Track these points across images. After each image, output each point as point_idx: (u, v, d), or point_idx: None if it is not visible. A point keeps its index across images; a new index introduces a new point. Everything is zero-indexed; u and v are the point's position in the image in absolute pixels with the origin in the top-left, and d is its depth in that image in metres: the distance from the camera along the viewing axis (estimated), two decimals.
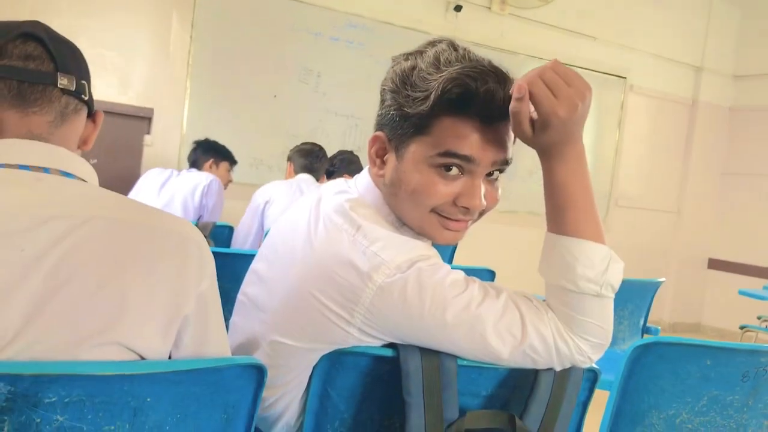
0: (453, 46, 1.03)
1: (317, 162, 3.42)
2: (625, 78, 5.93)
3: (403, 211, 1.06)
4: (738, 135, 6.51)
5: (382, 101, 1.07)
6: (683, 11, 6.22)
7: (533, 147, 1.03)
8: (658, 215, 6.36)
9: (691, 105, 6.42)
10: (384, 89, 1.07)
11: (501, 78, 1.00)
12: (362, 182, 1.11)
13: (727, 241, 6.49)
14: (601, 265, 1.01)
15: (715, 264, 6.59)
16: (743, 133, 6.47)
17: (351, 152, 3.69)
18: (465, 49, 1.04)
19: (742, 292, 4.76)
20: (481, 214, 1.08)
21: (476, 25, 5.11)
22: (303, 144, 3.57)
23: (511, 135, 1.04)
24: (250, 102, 4.40)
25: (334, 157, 3.62)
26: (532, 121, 0.99)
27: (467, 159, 1.00)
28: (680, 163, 6.47)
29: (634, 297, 2.65)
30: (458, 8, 4.97)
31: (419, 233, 1.07)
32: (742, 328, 4.60)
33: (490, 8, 5.19)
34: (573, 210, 1.02)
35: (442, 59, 1.01)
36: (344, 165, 3.61)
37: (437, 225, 1.05)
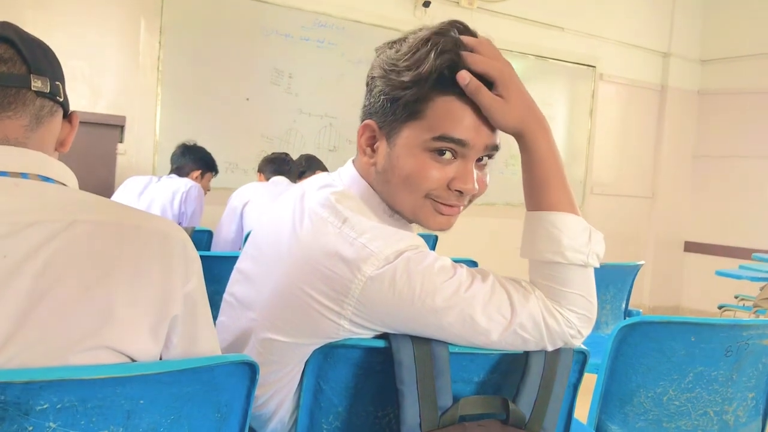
0: (436, 31, 1.04)
1: (285, 165, 3.48)
2: (594, 67, 5.99)
3: (396, 198, 1.06)
4: (707, 118, 6.60)
5: (370, 90, 1.08)
6: None
7: (510, 125, 1.04)
8: (633, 201, 6.43)
9: (661, 90, 6.50)
10: (372, 77, 1.07)
11: None
12: (347, 174, 1.11)
13: (702, 223, 6.58)
14: (584, 236, 1.03)
15: (691, 246, 6.68)
16: (712, 116, 6.57)
17: (309, 154, 3.87)
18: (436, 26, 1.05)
19: (719, 273, 4.82)
20: (471, 200, 1.09)
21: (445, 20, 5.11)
22: (269, 155, 3.69)
23: None
24: (223, 106, 4.37)
25: (300, 159, 3.71)
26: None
27: (461, 143, 1.01)
28: (652, 149, 6.55)
29: (615, 281, 2.67)
30: (426, 4, 4.98)
31: (412, 219, 1.08)
32: (720, 307, 4.67)
33: (458, 3, 5.21)
34: (552, 186, 1.05)
35: (421, 39, 1.02)
36: (313, 163, 3.68)
37: (431, 210, 1.06)
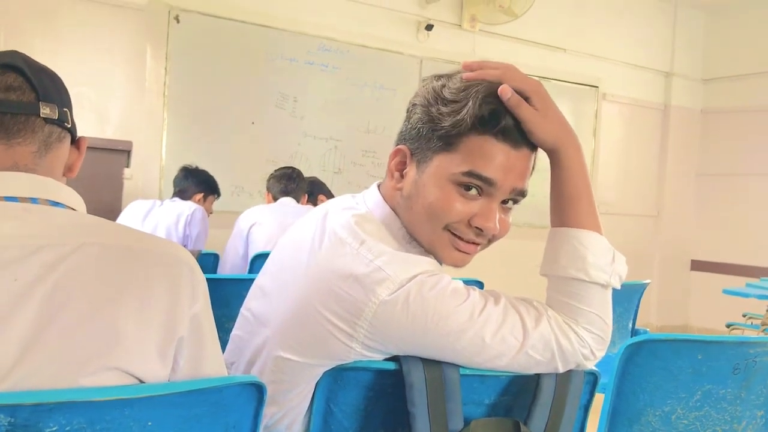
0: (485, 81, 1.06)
1: (292, 183, 3.44)
2: (597, 87, 6.02)
3: (416, 226, 1.07)
4: (710, 137, 6.62)
5: (408, 117, 1.10)
6: (649, 19, 6.34)
7: (547, 139, 1.05)
8: (639, 220, 6.43)
9: (664, 109, 6.53)
10: (414, 104, 1.09)
11: None
12: (372, 197, 1.12)
13: (708, 241, 6.57)
14: (608, 256, 1.05)
15: (697, 265, 6.66)
16: (715, 134, 6.58)
17: (313, 178, 3.86)
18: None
19: (726, 291, 4.80)
20: (490, 241, 1.10)
21: (448, 44, 5.17)
22: (277, 170, 3.61)
23: (531, 165, 1.08)
24: (228, 130, 4.41)
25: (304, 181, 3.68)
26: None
27: (489, 181, 1.03)
28: (656, 167, 6.55)
29: (621, 300, 2.66)
30: (429, 27, 5.03)
31: (428, 250, 1.08)
32: (729, 326, 4.64)
33: (460, 26, 5.26)
34: (580, 203, 1.06)
35: (478, 85, 1.04)
36: (315, 188, 3.67)
37: (448, 243, 1.06)
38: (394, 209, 1.10)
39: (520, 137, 1.03)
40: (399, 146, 1.10)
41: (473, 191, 1.03)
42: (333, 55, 4.75)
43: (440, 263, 1.08)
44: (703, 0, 6.15)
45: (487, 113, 1.01)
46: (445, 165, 1.03)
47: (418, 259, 1.01)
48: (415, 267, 0.98)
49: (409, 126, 1.09)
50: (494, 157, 1.02)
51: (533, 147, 1.06)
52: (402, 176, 1.09)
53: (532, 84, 1.05)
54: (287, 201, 3.39)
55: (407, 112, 1.11)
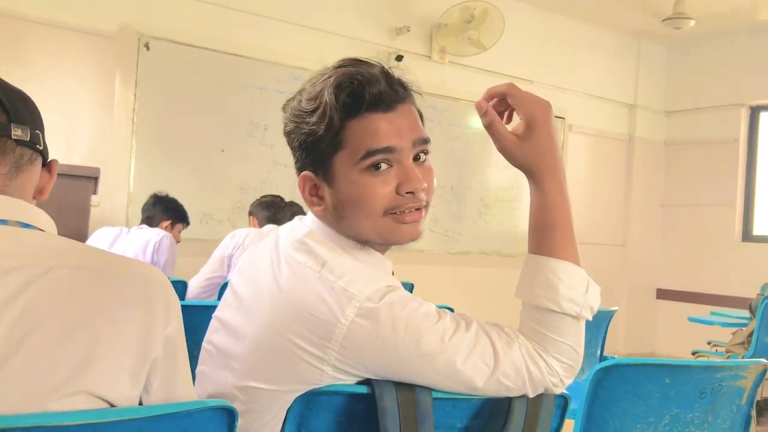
0: (321, 71, 1.09)
1: (280, 212, 3.47)
2: (563, 118, 6.13)
3: (358, 228, 1.07)
4: (673, 167, 6.77)
5: (291, 146, 1.11)
6: (614, 53, 6.50)
7: (523, 164, 1.07)
8: (605, 249, 6.51)
9: (628, 140, 6.67)
10: (288, 132, 1.10)
11: (373, 64, 1.07)
12: (311, 219, 1.13)
13: (673, 270, 6.68)
14: (581, 287, 1.05)
15: (663, 293, 6.76)
16: (678, 165, 6.74)
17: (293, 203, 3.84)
18: (331, 66, 1.09)
19: (691, 319, 4.88)
20: (428, 201, 1.10)
21: (418, 74, 5.15)
22: (263, 197, 3.62)
23: (416, 113, 1.10)
24: (198, 157, 4.39)
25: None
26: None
27: (388, 149, 1.04)
28: (622, 197, 6.67)
29: (589, 327, 2.66)
30: (399, 58, 5.09)
31: (382, 242, 1.09)
32: (694, 353, 4.71)
33: (430, 57, 5.35)
34: (558, 231, 1.07)
35: (318, 81, 1.06)
36: (296, 212, 3.67)
37: (394, 224, 1.06)
38: (330, 227, 1.10)
39: (389, 98, 1.05)
40: (301, 174, 1.11)
41: (383, 166, 1.04)
42: None
43: (400, 243, 1.09)
44: (665, 35, 6.32)
45: (347, 98, 1.03)
46: (346, 161, 1.04)
47: (379, 273, 1.02)
48: (378, 281, 0.99)
49: (296, 153, 1.10)
50: (378, 127, 1.04)
51: (405, 97, 1.07)
52: (320, 198, 1.09)
53: (529, 110, 1.06)
54: (272, 228, 3.42)
55: (288, 144, 1.12)
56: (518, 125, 1.08)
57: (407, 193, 1.05)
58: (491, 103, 1.11)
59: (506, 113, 1.13)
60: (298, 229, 1.10)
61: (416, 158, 1.08)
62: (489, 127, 1.06)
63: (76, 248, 0.84)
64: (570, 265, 1.05)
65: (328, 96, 1.03)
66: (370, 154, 1.03)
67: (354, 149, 1.04)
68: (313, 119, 1.04)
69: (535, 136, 1.06)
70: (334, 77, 1.04)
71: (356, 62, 1.07)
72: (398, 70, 1.10)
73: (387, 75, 1.06)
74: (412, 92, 1.11)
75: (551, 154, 1.07)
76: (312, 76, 1.09)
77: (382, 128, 1.04)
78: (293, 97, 1.11)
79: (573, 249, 1.07)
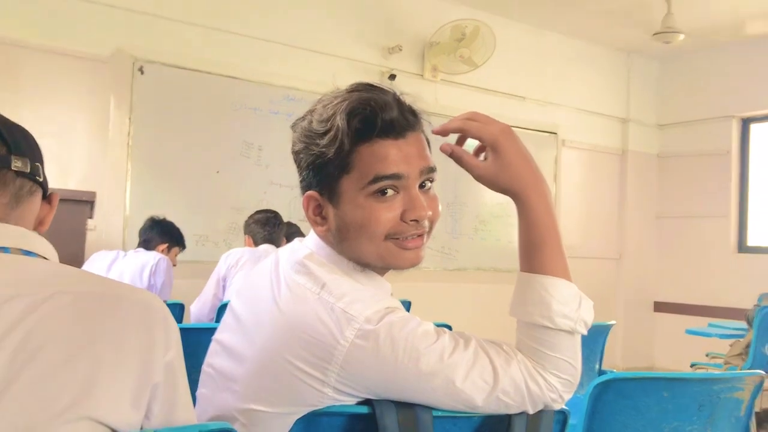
0: (334, 93, 1.09)
1: (276, 230, 3.46)
2: (556, 134, 6.17)
3: (359, 251, 1.08)
4: (667, 180, 6.81)
5: (298, 165, 1.12)
6: (605, 68, 6.56)
7: (503, 187, 1.09)
8: (601, 262, 6.53)
9: (621, 154, 6.71)
10: (297, 152, 1.11)
11: (386, 91, 1.08)
12: (312, 240, 1.13)
13: (670, 282, 6.69)
14: (574, 302, 1.06)
15: (660, 306, 6.76)
16: (672, 178, 6.77)
17: (290, 223, 3.90)
18: (344, 89, 1.10)
19: (689, 331, 4.89)
20: (431, 228, 1.11)
21: (411, 93, 5.25)
22: (256, 213, 3.60)
23: (424, 141, 1.11)
24: (193, 179, 4.40)
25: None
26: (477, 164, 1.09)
27: (395, 176, 1.05)
28: (617, 211, 6.69)
29: (587, 342, 2.68)
30: (392, 77, 5.13)
31: (383, 266, 1.10)
32: (693, 365, 4.70)
33: (422, 75, 5.38)
34: (547, 248, 1.08)
35: (330, 104, 1.06)
36: (294, 231, 3.69)
37: (395, 249, 1.07)
38: (332, 248, 1.10)
39: (400, 125, 1.06)
40: (306, 193, 1.11)
41: (389, 192, 1.05)
42: (298, 104, 4.80)
43: (401, 268, 1.09)
44: (655, 49, 6.38)
45: (359, 124, 1.04)
46: (353, 185, 1.05)
47: (379, 295, 1.03)
48: (378, 303, 1.00)
49: (303, 173, 1.11)
50: (387, 154, 1.05)
51: (415, 125, 1.09)
52: (324, 218, 1.10)
53: (489, 132, 1.07)
54: (267, 248, 3.42)
55: (296, 163, 1.13)
56: (486, 152, 1.10)
57: (411, 220, 1.06)
58: (457, 138, 1.13)
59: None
60: (298, 251, 1.10)
61: (422, 185, 1.09)
62: (459, 162, 1.09)
63: (77, 275, 0.85)
64: (560, 280, 1.06)
65: (340, 121, 1.03)
66: (377, 179, 1.04)
67: (362, 174, 1.05)
68: (324, 141, 1.05)
69: (504, 158, 1.07)
70: (347, 102, 1.05)
71: (369, 87, 1.08)
72: (410, 97, 1.11)
73: (399, 102, 1.07)
74: (422, 120, 1.11)
75: (527, 169, 1.08)
76: (323, 97, 1.10)
77: (392, 155, 1.05)
78: (303, 117, 1.11)
79: (563, 264, 1.08)
